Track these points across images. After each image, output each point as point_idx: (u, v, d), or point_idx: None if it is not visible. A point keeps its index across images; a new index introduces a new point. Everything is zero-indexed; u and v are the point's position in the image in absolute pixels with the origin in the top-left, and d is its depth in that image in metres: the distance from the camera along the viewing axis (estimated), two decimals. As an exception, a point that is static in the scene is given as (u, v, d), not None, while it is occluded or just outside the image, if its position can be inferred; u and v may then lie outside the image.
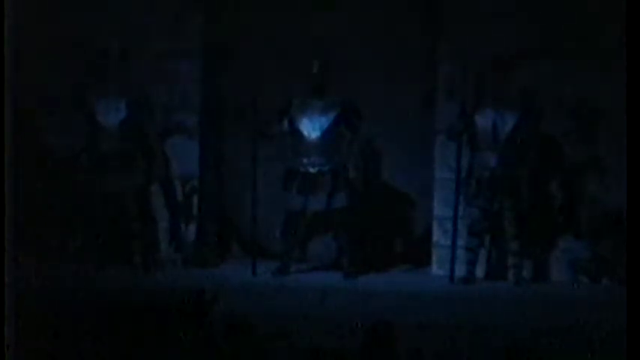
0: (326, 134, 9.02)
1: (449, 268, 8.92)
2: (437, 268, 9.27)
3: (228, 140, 9.88)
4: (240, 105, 9.50)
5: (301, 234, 9.39)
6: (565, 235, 9.10)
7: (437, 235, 9.30)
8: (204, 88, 9.62)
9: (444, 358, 6.45)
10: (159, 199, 9.56)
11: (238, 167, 9.61)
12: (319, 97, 9.03)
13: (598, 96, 8.88)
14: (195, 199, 9.59)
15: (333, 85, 9.06)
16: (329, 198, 8.99)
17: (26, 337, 5.69)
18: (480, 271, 9.09)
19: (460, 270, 8.93)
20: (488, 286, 8.90)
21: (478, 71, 8.96)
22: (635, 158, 5.79)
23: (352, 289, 8.64)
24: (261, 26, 9.71)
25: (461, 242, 8.95)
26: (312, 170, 9.00)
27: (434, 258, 9.33)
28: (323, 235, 9.65)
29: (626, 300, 5.60)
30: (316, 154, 9.01)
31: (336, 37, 9.47)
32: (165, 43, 9.44)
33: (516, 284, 8.91)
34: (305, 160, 9.02)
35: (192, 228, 9.60)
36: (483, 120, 8.87)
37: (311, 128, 9.02)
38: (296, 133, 9.06)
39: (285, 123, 9.10)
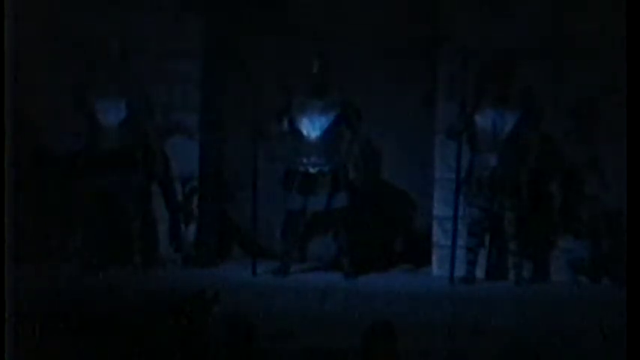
0: (326, 134, 9.02)
1: (449, 268, 8.91)
2: (437, 268, 9.27)
3: (228, 140, 9.88)
4: (240, 105, 9.50)
5: (301, 234, 9.39)
6: (565, 235, 9.10)
7: (437, 235, 9.30)
8: (204, 88, 9.62)
9: (444, 358, 6.45)
10: (159, 199, 9.56)
11: (238, 167, 9.61)
12: (319, 97, 9.04)
13: (598, 96, 8.88)
14: (195, 199, 9.58)
15: (333, 85, 9.06)
16: (329, 198, 8.99)
17: (26, 337, 5.69)
18: (480, 271, 9.09)
19: (460, 270, 8.93)
20: (488, 286, 8.90)
21: (478, 71, 8.96)
22: (635, 158, 5.79)
23: (352, 289, 8.64)
24: (261, 26, 9.71)
25: (461, 242, 8.94)
26: (312, 170, 9.00)
27: (434, 258, 9.33)
28: (323, 235, 9.65)
29: (626, 300, 5.60)
30: (316, 154, 9.01)
31: (336, 37, 9.47)
32: (165, 43, 9.44)
33: (516, 284, 8.91)
34: (305, 160, 9.02)
35: (192, 228, 9.60)
36: (483, 120, 8.87)
37: (311, 128, 9.02)
38: (296, 133, 9.06)
39: (285, 123, 9.10)
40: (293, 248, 9.29)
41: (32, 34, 8.95)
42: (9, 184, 5.54)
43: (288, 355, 6.16)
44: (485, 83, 8.97)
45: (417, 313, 7.74)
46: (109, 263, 9.17)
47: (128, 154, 9.16)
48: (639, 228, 5.66)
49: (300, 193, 9.01)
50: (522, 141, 8.85)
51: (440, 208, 9.26)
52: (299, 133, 9.04)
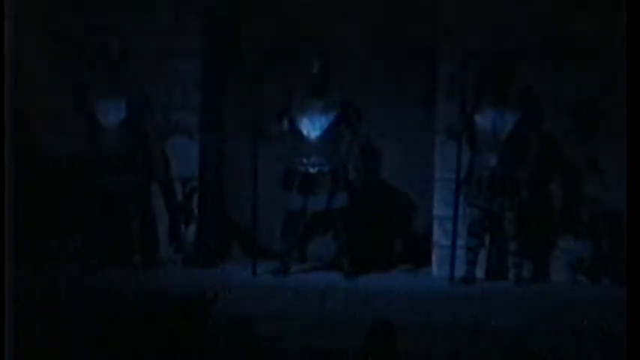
0: (326, 134, 9.02)
1: (449, 268, 8.91)
2: (437, 268, 9.26)
3: (228, 140, 9.88)
4: (240, 105, 9.50)
5: (301, 234, 9.38)
6: (565, 235, 9.10)
7: (437, 235, 9.30)
8: (204, 88, 9.62)
9: (444, 358, 6.45)
10: (159, 199, 9.56)
11: (238, 167, 9.61)
12: (319, 97, 9.03)
13: (598, 96, 8.88)
14: (195, 199, 9.58)
15: (333, 85, 9.06)
16: (329, 198, 8.99)
17: (26, 337, 5.69)
18: (480, 271, 9.09)
19: (460, 270, 8.93)
20: (488, 286, 8.89)
21: (478, 71, 8.96)
22: (635, 158, 5.80)
23: (352, 289, 8.64)
24: (262, 26, 9.71)
25: (461, 242, 8.94)
26: (312, 170, 9.00)
27: (434, 258, 9.33)
28: (323, 235, 9.64)
29: (626, 300, 5.60)
30: (316, 154, 9.01)
31: (336, 37, 9.47)
32: (165, 43, 9.44)
33: (516, 284, 8.91)
34: (305, 160, 9.02)
35: (192, 228, 9.60)
36: (483, 120, 8.87)
37: (311, 128, 9.02)
38: (296, 133, 9.06)
39: (285, 123, 9.10)
40: (293, 248, 9.29)
41: (32, 34, 8.95)
42: (9, 184, 5.54)
43: (288, 355, 6.16)
44: (485, 83, 8.97)
45: (417, 313, 7.74)
46: (109, 263, 9.17)
47: (128, 154, 9.16)
48: (639, 228, 5.67)
49: (300, 193, 9.01)
50: (522, 141, 8.84)
51: (440, 208, 9.26)
52: (299, 133, 9.04)
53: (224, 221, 9.96)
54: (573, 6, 8.91)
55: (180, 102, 9.52)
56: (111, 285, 8.22)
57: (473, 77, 8.96)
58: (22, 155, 6.18)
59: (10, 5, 5.59)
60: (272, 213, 9.34)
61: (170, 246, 9.58)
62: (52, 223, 9.35)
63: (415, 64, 9.48)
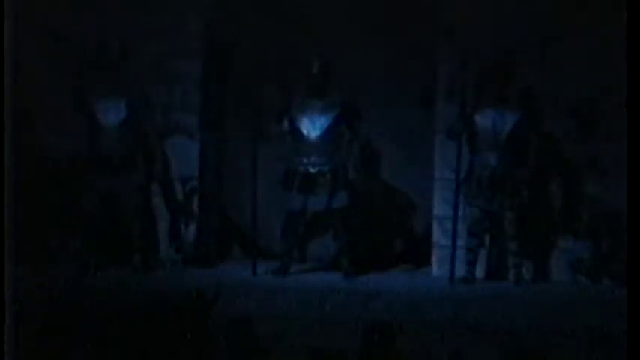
0: (326, 134, 9.02)
1: (449, 268, 8.91)
2: (437, 268, 9.26)
3: (228, 140, 9.88)
4: (240, 105, 9.50)
5: (301, 234, 9.38)
6: (565, 235, 9.10)
7: (437, 235, 9.30)
8: (204, 88, 9.62)
9: (444, 358, 6.45)
10: (159, 199, 9.56)
11: (238, 167, 9.61)
12: (319, 97, 9.04)
13: (598, 96, 8.88)
14: (195, 199, 9.58)
15: (333, 85, 9.06)
16: (329, 198, 8.99)
17: (26, 337, 5.69)
18: (480, 271, 9.09)
19: (460, 270, 8.93)
20: (488, 286, 8.89)
21: (478, 71, 8.96)
22: (635, 158, 5.80)
23: (352, 289, 8.64)
24: (262, 26, 9.71)
25: (461, 242, 8.94)
26: (312, 170, 9.00)
27: (434, 258, 9.33)
28: (323, 235, 9.64)
29: (626, 300, 5.60)
30: (316, 154, 9.01)
31: (336, 37, 9.47)
32: (165, 43, 9.44)
33: (516, 284, 8.91)
34: (305, 160, 9.02)
35: (192, 228, 9.60)
36: (483, 120, 8.87)
37: (311, 128, 9.02)
38: (296, 133, 9.06)
39: (285, 123, 9.10)
40: (293, 248, 9.29)
41: (32, 34, 8.95)
42: (9, 184, 5.54)
43: (288, 355, 6.17)
44: (485, 83, 8.97)
45: (417, 313, 7.73)
46: (109, 263, 9.17)
47: (128, 154, 9.16)
48: (639, 228, 5.67)
49: (300, 193, 9.01)
50: (522, 141, 8.84)
51: (440, 208, 9.26)
52: (299, 133, 9.04)
53: (224, 221, 9.96)
54: (573, 6, 8.91)
55: (180, 102, 9.52)
56: (111, 285, 8.23)
57: (473, 77, 8.96)
58: (22, 155, 6.17)
59: (10, 5, 5.59)
60: (272, 213, 9.34)
61: (170, 246, 9.58)
62: (52, 223, 9.35)
63: (415, 64, 9.48)
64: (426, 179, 9.38)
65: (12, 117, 5.60)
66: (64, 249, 9.36)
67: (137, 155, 9.22)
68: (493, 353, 6.25)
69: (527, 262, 9.03)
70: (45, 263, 8.81)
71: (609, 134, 8.80)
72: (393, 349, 5.75)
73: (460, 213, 8.92)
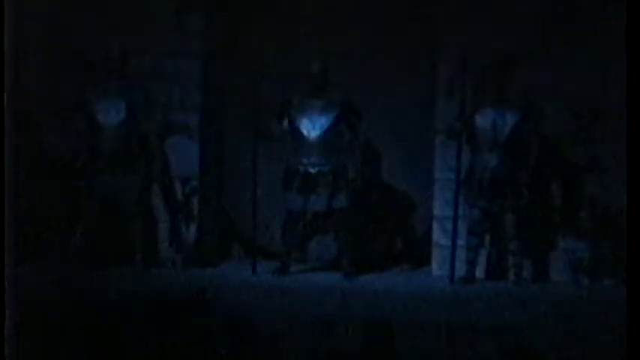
0: (326, 134, 9.02)
1: (449, 268, 8.91)
2: (437, 268, 9.26)
3: (228, 140, 9.88)
4: (240, 105, 9.50)
5: (301, 234, 9.38)
6: (565, 235, 9.10)
7: (437, 235, 9.30)
8: (204, 88, 9.62)
9: (444, 358, 6.46)
10: (159, 199, 9.56)
11: (238, 167, 9.61)
12: (319, 97, 9.03)
13: (598, 96, 8.88)
14: (195, 199, 9.58)
15: (333, 85, 9.06)
16: (329, 198, 8.99)
17: (26, 338, 5.69)
18: (480, 271, 9.09)
19: (460, 270, 8.93)
20: (488, 286, 8.89)
21: (478, 71, 8.96)
22: (635, 158, 5.80)
23: (352, 289, 8.64)
24: (262, 26, 9.71)
25: (461, 242, 8.94)
26: (312, 170, 9.00)
27: (434, 258, 9.33)
28: (323, 235, 9.64)
29: (626, 300, 5.60)
30: (316, 154, 9.01)
31: (336, 37, 9.46)
32: (166, 43, 9.44)
33: (516, 284, 8.90)
34: (305, 160, 9.01)
35: (192, 228, 9.60)
36: (483, 120, 8.87)
37: (311, 128, 9.02)
38: (296, 132, 9.06)
39: (285, 123, 9.10)
40: (293, 248, 9.29)
41: (32, 34, 8.94)
42: (9, 184, 5.54)
43: (288, 355, 6.17)
44: (485, 83, 8.96)
45: (417, 313, 7.73)
46: (109, 263, 9.17)
47: (128, 154, 9.16)
48: (639, 228, 5.67)
49: (300, 193, 9.01)
50: (522, 141, 8.84)
51: (440, 208, 9.26)
52: (299, 133, 9.04)
53: (224, 221, 9.96)
54: (573, 6, 8.91)
55: (180, 102, 9.52)
56: (111, 285, 8.23)
57: (473, 77, 8.96)
58: (22, 155, 6.17)
59: (10, 5, 5.59)
60: (272, 213, 9.34)
61: (170, 246, 9.58)
62: (52, 223, 9.35)
63: (415, 64, 9.48)
64: (426, 179, 9.39)
65: (12, 117, 5.60)
66: (65, 249, 9.35)
67: (137, 155, 9.21)
68: (493, 353, 6.25)
69: (527, 262, 9.03)
70: (45, 263, 8.81)
71: (609, 134, 8.79)
72: (393, 349, 5.75)
73: (460, 213, 8.92)
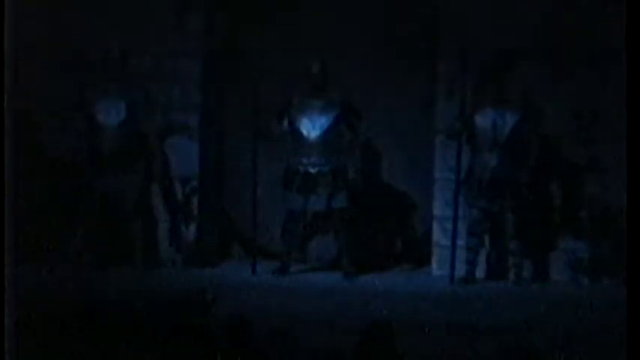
0: (326, 134, 9.02)
1: (449, 268, 8.91)
2: (437, 268, 9.27)
3: (228, 140, 9.88)
4: (240, 105, 9.50)
5: (301, 234, 9.38)
6: (565, 235, 9.10)
7: (437, 235, 9.30)
8: (204, 88, 9.62)
9: (444, 358, 6.46)
10: (159, 199, 9.56)
11: (238, 167, 9.61)
12: (319, 97, 9.04)
13: (598, 96, 8.88)
14: (195, 199, 9.58)
15: (333, 85, 9.06)
16: (329, 198, 8.99)
17: (26, 337, 5.69)
18: (480, 271, 9.09)
19: (460, 270, 8.93)
20: (488, 286, 8.90)
21: (478, 71, 8.96)
22: (635, 158, 5.79)
23: (352, 289, 8.64)
24: (261, 26, 9.71)
25: (461, 242, 8.94)
26: (312, 170, 9.00)
27: (434, 258, 9.33)
28: (323, 235, 9.64)
29: (626, 300, 5.60)
30: (316, 154, 9.01)
31: (336, 37, 9.47)
32: (166, 43, 9.44)
33: (516, 284, 8.91)
34: (305, 160, 9.02)
35: (192, 228, 9.60)
36: (483, 120, 8.87)
37: (311, 128, 9.03)
38: (296, 132, 9.06)
39: (285, 123, 9.10)
40: (293, 248, 9.29)
41: (32, 34, 8.94)
42: (9, 184, 5.54)
43: (288, 355, 6.16)
44: (485, 83, 8.96)
45: (417, 313, 7.73)
46: (109, 263, 9.17)
47: (128, 154, 9.16)
48: (639, 228, 5.67)
49: (300, 193, 9.01)
50: (522, 141, 8.84)
51: (440, 208, 9.26)
52: (299, 133, 9.04)
53: (224, 221, 9.96)
54: (573, 6, 8.91)
55: (180, 102, 9.52)
56: (111, 285, 8.23)
57: (473, 77, 8.96)
58: (22, 155, 6.17)
59: (10, 5, 5.59)
60: (272, 213, 9.34)
61: (170, 246, 9.58)
62: (52, 223, 9.35)
63: (415, 64, 9.48)
64: (426, 179, 9.38)
65: (12, 117, 5.60)
66: (64, 249, 9.35)
67: (137, 155, 9.22)
68: (493, 353, 6.25)
69: (527, 262, 9.03)
70: (45, 263, 8.81)
71: (609, 134, 8.79)
72: (393, 349, 5.75)
73: (460, 213, 8.93)
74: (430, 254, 9.35)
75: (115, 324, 5.90)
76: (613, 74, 8.53)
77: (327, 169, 9.00)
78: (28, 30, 8.44)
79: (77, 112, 9.22)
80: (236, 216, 9.89)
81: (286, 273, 9.14)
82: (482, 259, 9.11)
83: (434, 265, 9.32)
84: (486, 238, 9.12)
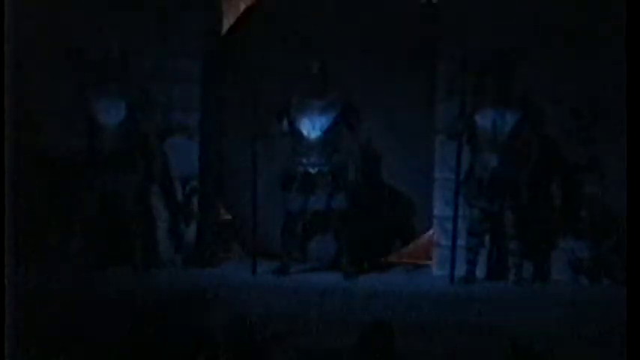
0: (326, 134, 9.02)
1: (449, 268, 8.91)
2: (437, 268, 9.26)
3: (228, 140, 9.88)
4: (240, 105, 9.50)
5: (301, 234, 9.38)
6: (565, 235, 9.10)
7: (437, 235, 9.30)
8: (204, 88, 9.62)
9: (444, 358, 6.46)
10: (159, 199, 9.56)
11: (238, 167, 9.61)
12: (319, 97, 9.03)
13: (598, 96, 8.88)
14: (195, 199, 9.58)
15: (333, 85, 9.06)
16: (329, 198, 8.99)
17: (26, 338, 5.69)
18: (480, 271, 9.09)
19: (460, 270, 8.93)
20: (488, 286, 8.89)
21: (478, 71, 8.96)
22: (635, 158, 5.80)
23: (352, 289, 8.64)
24: (261, 26, 9.72)
25: (461, 242, 8.94)
26: (312, 170, 9.00)
27: (434, 258, 9.33)
28: (323, 235, 9.64)
29: (626, 300, 5.60)
30: (316, 154, 9.01)
31: (336, 37, 9.47)
32: (166, 43, 9.44)
33: (516, 284, 8.90)
34: (305, 160, 9.02)
35: (193, 228, 9.60)
36: (483, 120, 8.87)
37: (311, 128, 9.02)
38: (296, 133, 9.06)
39: (285, 123, 9.10)
40: (293, 248, 9.29)
41: (32, 34, 8.95)
42: (9, 184, 5.55)
43: (288, 355, 6.17)
44: (485, 83, 8.96)
45: (417, 313, 7.73)
46: (109, 263, 9.17)
47: (128, 154, 9.16)
48: (639, 228, 5.67)
49: (300, 193, 9.01)
50: (522, 141, 8.84)
51: (440, 208, 9.26)
52: (299, 133, 9.04)
53: (224, 221, 9.96)
54: (573, 5, 8.91)
55: (180, 102, 9.52)
56: (111, 285, 8.24)
57: (473, 77, 8.96)
58: (22, 155, 6.17)
59: (10, 5, 5.59)
60: (272, 213, 9.34)
61: (170, 246, 9.58)
62: (51, 223, 9.35)
63: (415, 64, 9.48)
64: (426, 179, 9.39)
65: (12, 117, 5.60)
66: (64, 249, 9.35)
67: (137, 155, 9.22)
68: (493, 353, 6.25)
69: (527, 262, 9.03)
70: (45, 263, 8.81)
71: (609, 134, 8.80)
72: (393, 349, 5.75)
73: (460, 213, 8.93)
74: (430, 254, 9.36)
75: (115, 324, 5.91)
76: (613, 74, 8.53)
77: (326, 170, 9.00)
78: (28, 30, 8.45)
79: (77, 112, 9.21)
80: (236, 216, 9.89)
81: (286, 273, 9.14)
82: (482, 259, 9.11)
83: (434, 265, 9.32)
84: (486, 238, 9.12)
